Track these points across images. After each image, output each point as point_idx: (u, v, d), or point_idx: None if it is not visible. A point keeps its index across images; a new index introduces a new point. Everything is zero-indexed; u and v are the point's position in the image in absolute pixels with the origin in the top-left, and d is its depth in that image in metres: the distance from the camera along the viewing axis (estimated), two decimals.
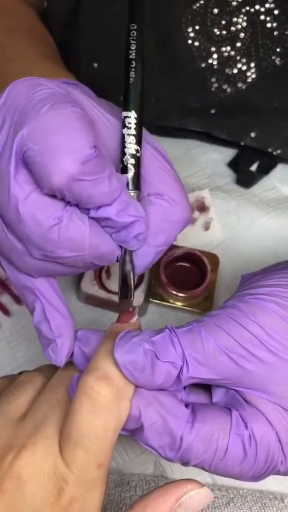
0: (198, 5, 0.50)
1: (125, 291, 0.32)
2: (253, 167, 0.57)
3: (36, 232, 0.28)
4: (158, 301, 0.49)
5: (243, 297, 0.31)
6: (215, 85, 0.53)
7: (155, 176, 0.32)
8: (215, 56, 0.52)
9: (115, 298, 0.47)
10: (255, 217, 0.54)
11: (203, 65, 0.52)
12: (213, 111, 0.55)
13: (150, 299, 0.49)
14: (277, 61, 0.51)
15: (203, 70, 0.52)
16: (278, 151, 0.56)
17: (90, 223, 0.30)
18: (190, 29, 0.51)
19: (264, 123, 0.55)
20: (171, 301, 0.49)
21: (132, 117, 0.31)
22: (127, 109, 0.32)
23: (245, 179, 0.57)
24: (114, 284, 0.49)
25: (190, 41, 0.51)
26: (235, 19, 0.50)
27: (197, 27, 0.51)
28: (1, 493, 0.26)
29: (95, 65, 0.54)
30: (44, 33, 0.54)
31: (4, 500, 0.26)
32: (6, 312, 0.50)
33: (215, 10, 0.50)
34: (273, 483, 0.42)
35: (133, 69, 0.32)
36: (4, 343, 0.49)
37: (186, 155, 0.59)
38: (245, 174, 0.57)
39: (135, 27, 0.32)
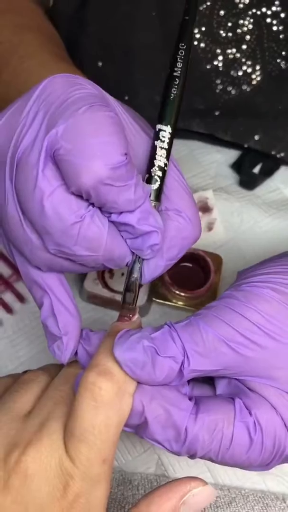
0: (204, 6, 0.50)
1: (129, 297, 0.33)
2: (256, 169, 0.58)
3: (58, 227, 0.29)
4: (161, 301, 0.49)
5: (239, 287, 0.31)
6: (220, 86, 0.53)
7: (175, 192, 0.32)
8: (220, 58, 0.52)
9: (118, 297, 0.48)
10: (258, 218, 0.54)
11: (208, 66, 0.52)
12: (217, 113, 0.55)
13: (153, 299, 0.49)
14: (282, 64, 0.52)
15: (208, 72, 0.53)
16: (282, 154, 0.56)
17: (109, 226, 0.30)
18: (196, 31, 0.51)
19: (268, 125, 0.55)
20: (174, 301, 0.49)
21: (167, 131, 0.32)
22: (163, 122, 0.32)
23: (248, 181, 0.57)
24: (117, 283, 0.49)
25: (196, 42, 0.51)
26: (241, 21, 0.51)
27: (203, 29, 0.51)
28: (8, 489, 0.26)
29: (100, 64, 0.54)
30: (53, 32, 0.54)
31: (11, 495, 0.26)
32: (9, 310, 0.50)
33: (222, 12, 0.50)
34: (274, 484, 0.43)
35: (176, 86, 0.32)
36: (6, 341, 0.49)
37: (190, 156, 0.59)
38: (248, 176, 0.57)
39: (184, 46, 0.33)
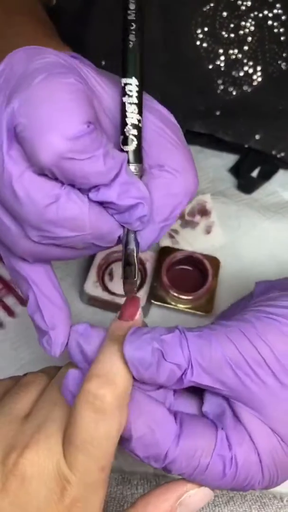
0: (208, 7, 0.51)
1: (129, 270, 0.31)
2: (254, 173, 0.58)
3: (32, 211, 0.27)
4: (160, 303, 0.50)
5: (259, 313, 0.30)
6: (221, 87, 0.54)
7: (156, 146, 0.30)
8: (222, 58, 0.53)
9: (118, 300, 0.48)
10: (256, 222, 0.55)
11: (210, 66, 0.53)
12: (218, 113, 0.55)
13: (152, 301, 0.50)
14: (283, 65, 0.52)
15: (210, 72, 0.53)
16: (282, 154, 0.56)
17: (90, 202, 0.28)
18: (199, 31, 0.51)
19: (269, 126, 0.55)
20: (172, 303, 0.49)
21: (133, 84, 0.29)
22: (126, 75, 0.29)
23: (246, 185, 0.57)
24: (117, 286, 0.50)
25: (198, 42, 0.52)
26: (243, 23, 0.51)
27: (206, 29, 0.51)
28: (5, 492, 0.26)
29: (103, 62, 0.54)
30: (45, 18, 0.53)
31: (9, 498, 0.26)
32: (11, 313, 0.50)
33: (224, 13, 0.51)
34: None
35: (133, 32, 0.30)
36: (8, 344, 0.49)
37: None
38: (246, 179, 0.57)
39: None
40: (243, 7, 0.50)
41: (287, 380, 0.29)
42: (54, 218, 0.27)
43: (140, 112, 0.29)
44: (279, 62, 0.52)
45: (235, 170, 0.58)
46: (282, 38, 0.51)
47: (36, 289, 0.31)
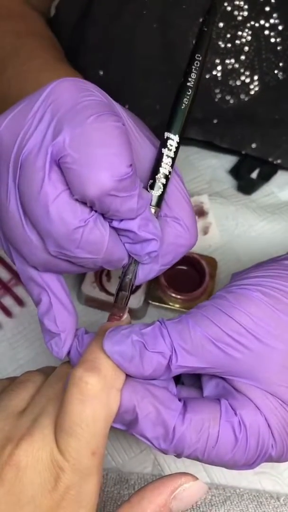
0: (204, 19, 0.51)
1: (122, 296, 0.33)
2: (254, 174, 0.58)
3: (61, 230, 0.29)
4: (157, 303, 0.50)
5: (230, 288, 0.32)
6: (219, 96, 0.54)
7: (175, 201, 0.33)
8: (219, 68, 0.53)
9: None
10: (252, 222, 0.55)
11: (207, 76, 0.53)
12: (215, 121, 0.56)
13: (150, 301, 0.50)
14: (280, 75, 0.53)
15: (207, 81, 0.54)
16: (279, 161, 0.57)
17: (110, 229, 0.31)
18: (195, 42, 0.52)
19: (265, 134, 0.56)
20: (170, 303, 0.50)
21: (174, 140, 0.32)
22: (171, 131, 0.32)
23: (246, 186, 0.58)
24: (114, 286, 0.50)
25: None
26: (240, 33, 0.52)
27: None
28: (1, 481, 0.27)
29: (101, 72, 0.55)
30: (52, 38, 0.55)
31: (4, 488, 0.27)
32: (8, 313, 0.51)
33: (221, 24, 0.52)
34: (270, 483, 0.43)
35: (188, 96, 0.33)
36: (5, 344, 0.49)
37: (186, 161, 0.60)
38: (246, 181, 0.58)
39: (200, 58, 0.33)
40: (240, 17, 0.51)
41: (272, 341, 0.30)
42: (78, 240, 0.30)
43: (172, 166, 0.33)
44: (275, 71, 0.53)
45: (235, 171, 0.59)
46: (278, 48, 0.52)
47: (51, 293, 0.33)
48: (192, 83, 0.33)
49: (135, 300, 0.48)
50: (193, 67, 0.33)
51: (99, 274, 0.50)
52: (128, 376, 0.31)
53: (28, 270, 0.33)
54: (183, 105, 0.33)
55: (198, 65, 0.33)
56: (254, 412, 0.30)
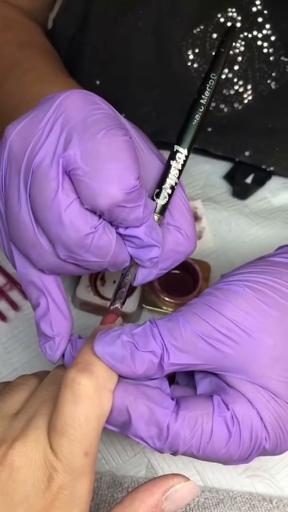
0: (198, 29, 0.52)
1: (120, 296, 0.34)
2: (248, 179, 0.59)
3: (73, 236, 0.31)
4: (151, 308, 0.50)
5: (218, 285, 0.33)
6: (213, 104, 0.55)
7: (178, 211, 0.35)
8: None
9: None
10: (245, 227, 0.56)
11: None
12: (209, 129, 0.57)
13: (144, 306, 0.50)
14: (273, 84, 0.53)
15: None
16: (271, 168, 0.58)
17: (116, 235, 0.32)
18: (189, 52, 0.53)
19: (258, 142, 0.57)
20: (164, 307, 0.50)
21: (183, 153, 0.34)
22: (181, 145, 0.34)
23: (241, 191, 0.58)
24: (108, 291, 0.50)
25: (189, 63, 0.53)
26: (233, 43, 0.52)
27: (196, 50, 0.53)
28: None
29: (98, 82, 0.56)
30: (51, 49, 0.56)
31: None
32: (3, 318, 0.51)
33: (214, 35, 0.52)
34: (263, 486, 0.43)
35: (200, 113, 0.34)
36: (0, 348, 0.50)
37: None
38: (241, 186, 0.58)
39: (215, 77, 0.34)
40: None
41: (261, 335, 0.30)
42: (88, 244, 0.31)
43: (179, 177, 0.34)
44: (268, 81, 0.53)
45: (230, 177, 0.59)
46: (271, 58, 0.52)
47: (49, 297, 0.34)
48: (205, 100, 0.34)
49: (130, 304, 0.49)
50: (208, 85, 0.34)
51: (93, 278, 0.51)
52: (121, 377, 0.31)
53: (29, 274, 0.34)
54: (195, 121, 0.34)
55: (212, 84, 0.34)
56: (246, 405, 0.31)
